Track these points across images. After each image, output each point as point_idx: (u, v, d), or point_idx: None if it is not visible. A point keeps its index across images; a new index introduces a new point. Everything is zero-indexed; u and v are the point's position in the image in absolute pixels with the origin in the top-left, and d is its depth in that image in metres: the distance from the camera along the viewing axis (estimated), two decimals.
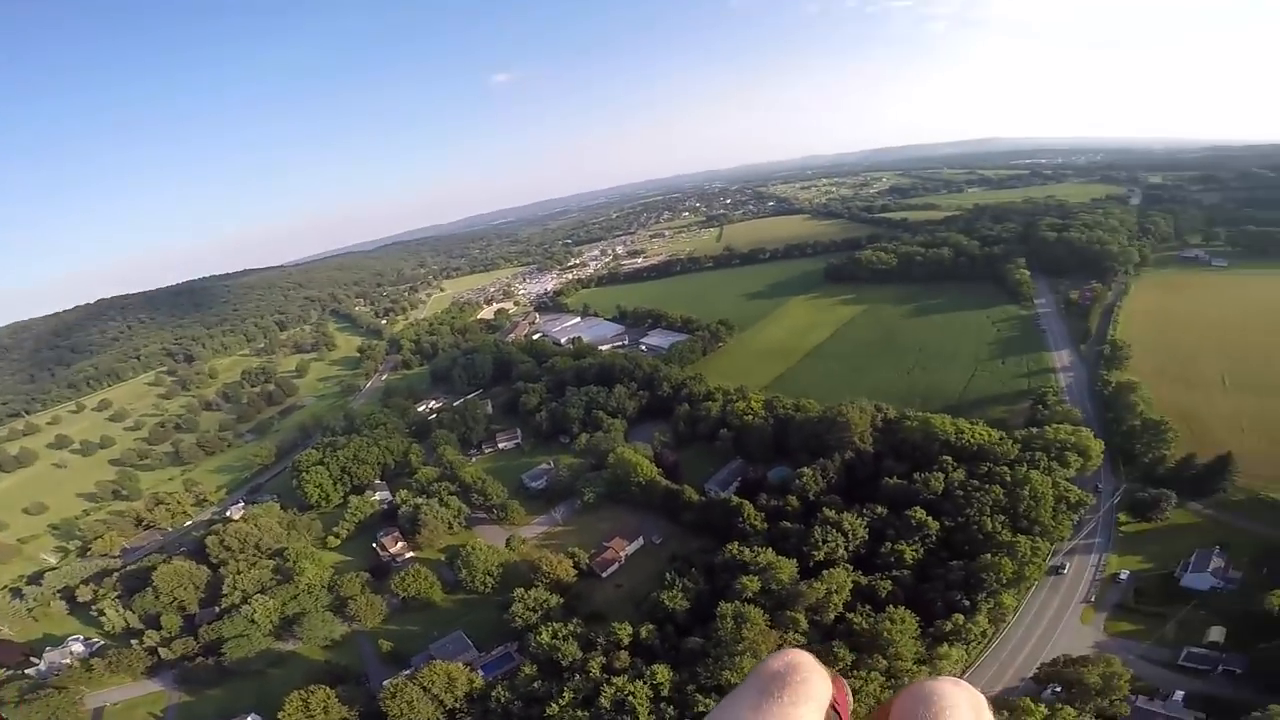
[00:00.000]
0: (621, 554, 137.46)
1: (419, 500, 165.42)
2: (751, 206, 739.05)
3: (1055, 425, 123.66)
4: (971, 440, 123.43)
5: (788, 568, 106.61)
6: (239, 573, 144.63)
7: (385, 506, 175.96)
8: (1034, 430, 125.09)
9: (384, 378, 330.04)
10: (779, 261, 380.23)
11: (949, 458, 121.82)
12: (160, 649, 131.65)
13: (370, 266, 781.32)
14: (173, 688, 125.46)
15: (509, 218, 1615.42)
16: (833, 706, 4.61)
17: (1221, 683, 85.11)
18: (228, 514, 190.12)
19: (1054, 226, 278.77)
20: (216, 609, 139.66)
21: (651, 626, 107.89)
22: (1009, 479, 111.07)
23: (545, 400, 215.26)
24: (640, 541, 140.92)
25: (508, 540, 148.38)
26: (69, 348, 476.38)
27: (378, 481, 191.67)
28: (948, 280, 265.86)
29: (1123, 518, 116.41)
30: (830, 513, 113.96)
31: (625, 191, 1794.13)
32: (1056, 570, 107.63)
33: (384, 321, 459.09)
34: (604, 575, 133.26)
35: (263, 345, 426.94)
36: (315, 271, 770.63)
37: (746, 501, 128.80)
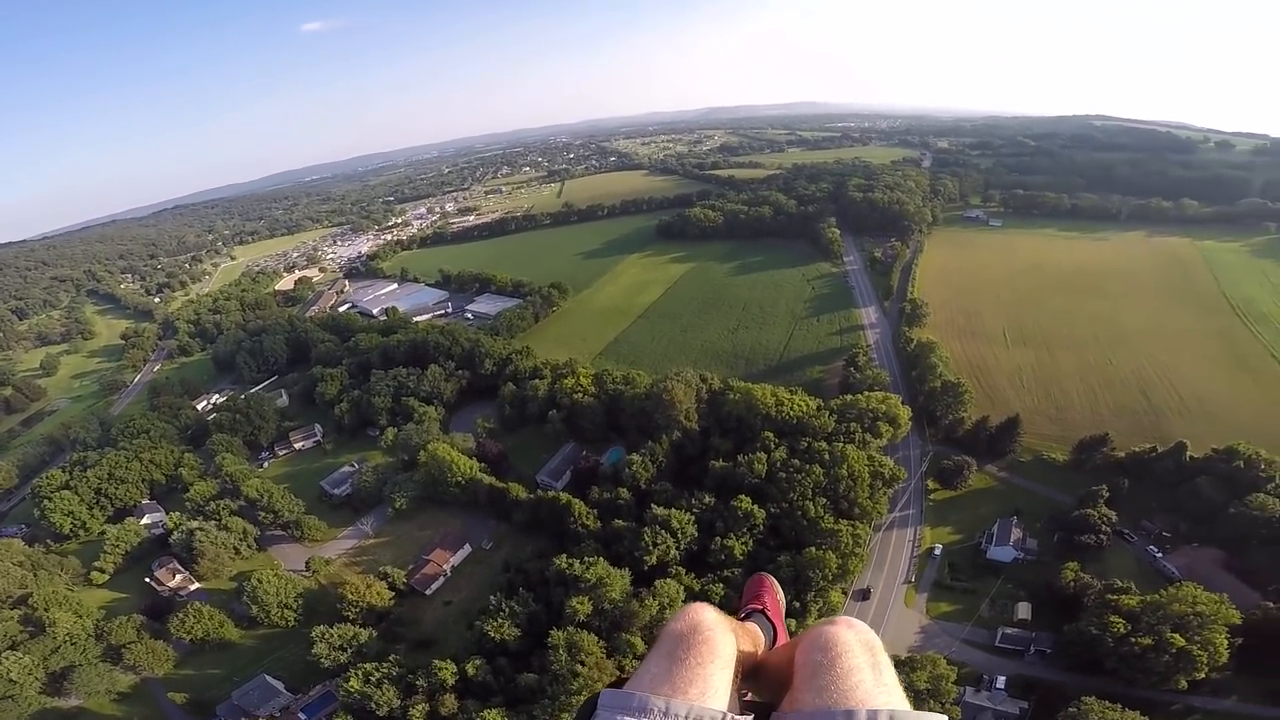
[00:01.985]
0: (445, 566, 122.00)
1: (193, 524, 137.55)
2: (594, 161, 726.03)
3: (867, 394, 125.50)
4: (791, 413, 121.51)
5: (620, 582, 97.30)
6: None
7: (157, 532, 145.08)
8: (848, 398, 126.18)
9: (156, 368, 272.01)
10: (616, 218, 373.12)
11: (771, 433, 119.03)
12: None
13: (142, 236, 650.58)
14: None
15: (323, 174, 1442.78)
16: (763, 612, 5.18)
17: (1035, 663, 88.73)
18: None
19: (860, 187, 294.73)
20: None
21: (479, 661, 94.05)
22: (827, 457, 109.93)
23: (347, 388, 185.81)
24: (468, 549, 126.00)
25: (308, 562, 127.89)
26: None
27: (145, 502, 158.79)
28: (768, 237, 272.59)
29: (930, 484, 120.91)
30: (660, 510, 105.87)
31: (463, 145, 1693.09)
32: (864, 595, 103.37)
33: (157, 300, 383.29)
34: (428, 592, 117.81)
35: None
36: (68, 246, 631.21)
37: (577, 500, 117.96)
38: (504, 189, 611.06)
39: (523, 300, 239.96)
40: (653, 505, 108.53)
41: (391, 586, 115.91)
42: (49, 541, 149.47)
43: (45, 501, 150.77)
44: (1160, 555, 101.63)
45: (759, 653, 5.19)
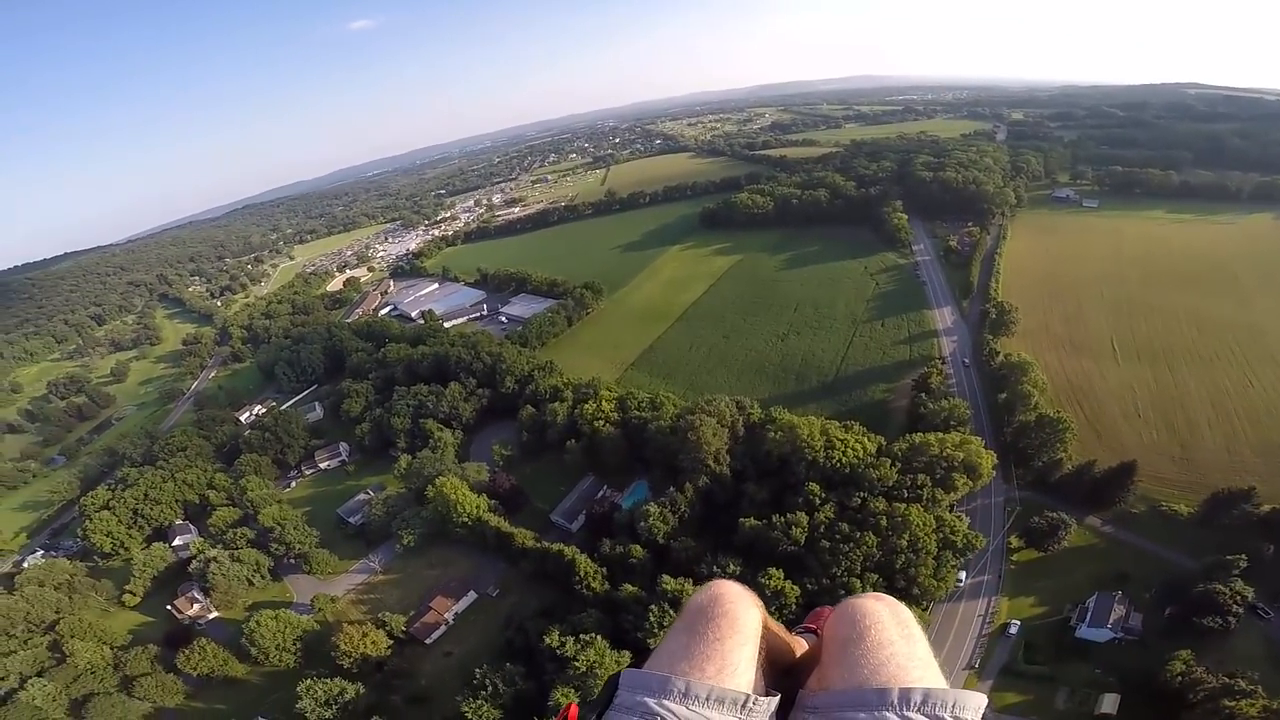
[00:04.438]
0: (447, 614, 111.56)
1: (211, 553, 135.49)
2: (639, 145, 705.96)
3: (940, 436, 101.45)
4: (844, 459, 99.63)
5: (614, 670, 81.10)
6: (7, 654, 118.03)
7: (185, 555, 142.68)
8: (917, 440, 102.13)
9: (211, 375, 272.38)
10: (659, 205, 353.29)
11: (816, 485, 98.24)
12: None
13: (212, 237, 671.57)
14: None
15: (384, 169, 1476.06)
16: (816, 631, 4.91)
17: None
18: (24, 565, 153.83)
19: (929, 165, 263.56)
20: None
21: None
22: (884, 522, 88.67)
23: (372, 404, 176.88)
24: (473, 595, 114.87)
25: (313, 600, 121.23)
26: None
27: (179, 522, 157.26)
28: (825, 224, 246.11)
29: (1014, 542, 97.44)
30: (671, 583, 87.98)
31: (514, 134, 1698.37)
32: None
33: (219, 303, 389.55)
34: (428, 641, 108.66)
35: (75, 347, 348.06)
36: (145, 249, 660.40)
37: (582, 557, 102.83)
38: (550, 178, 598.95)
39: (557, 302, 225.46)
40: (664, 575, 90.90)
41: (390, 634, 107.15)
42: (96, 558, 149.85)
43: (87, 521, 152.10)
44: None
45: (796, 654, 4.74)
